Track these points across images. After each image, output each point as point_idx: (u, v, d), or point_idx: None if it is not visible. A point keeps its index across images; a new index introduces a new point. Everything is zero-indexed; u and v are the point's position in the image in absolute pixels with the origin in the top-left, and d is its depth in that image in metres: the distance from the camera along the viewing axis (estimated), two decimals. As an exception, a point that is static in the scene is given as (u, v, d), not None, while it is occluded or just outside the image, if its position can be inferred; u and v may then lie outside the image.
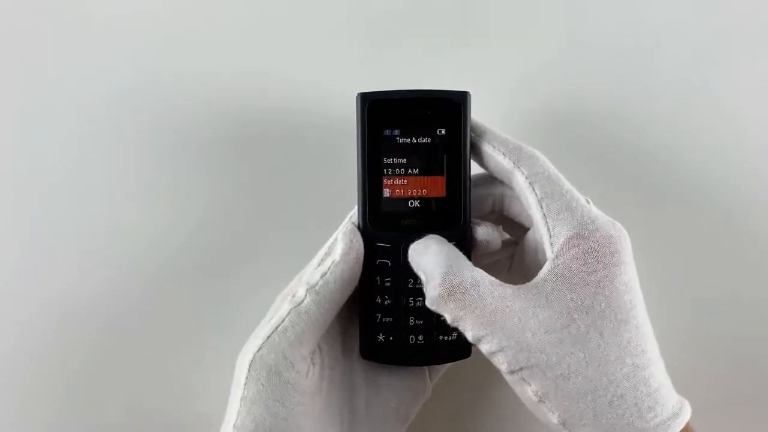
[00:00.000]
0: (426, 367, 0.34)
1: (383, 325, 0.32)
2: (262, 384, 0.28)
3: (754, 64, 0.39)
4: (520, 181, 0.30)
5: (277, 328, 0.29)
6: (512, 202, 0.33)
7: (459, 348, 0.32)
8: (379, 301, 0.32)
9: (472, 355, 0.32)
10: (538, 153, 0.30)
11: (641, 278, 0.29)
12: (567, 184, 0.30)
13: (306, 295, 0.29)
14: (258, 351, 0.28)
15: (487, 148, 0.31)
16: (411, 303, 0.31)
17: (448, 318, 0.28)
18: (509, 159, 0.30)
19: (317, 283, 0.30)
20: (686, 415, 0.28)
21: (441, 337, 0.32)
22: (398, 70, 0.39)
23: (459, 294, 0.28)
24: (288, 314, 0.29)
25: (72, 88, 0.38)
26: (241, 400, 0.28)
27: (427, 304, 0.29)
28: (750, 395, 0.37)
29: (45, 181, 0.38)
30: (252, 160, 0.39)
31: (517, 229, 0.34)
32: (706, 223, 0.38)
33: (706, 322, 0.38)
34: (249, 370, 0.28)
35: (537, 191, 0.29)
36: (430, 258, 0.29)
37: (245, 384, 0.28)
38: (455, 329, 0.31)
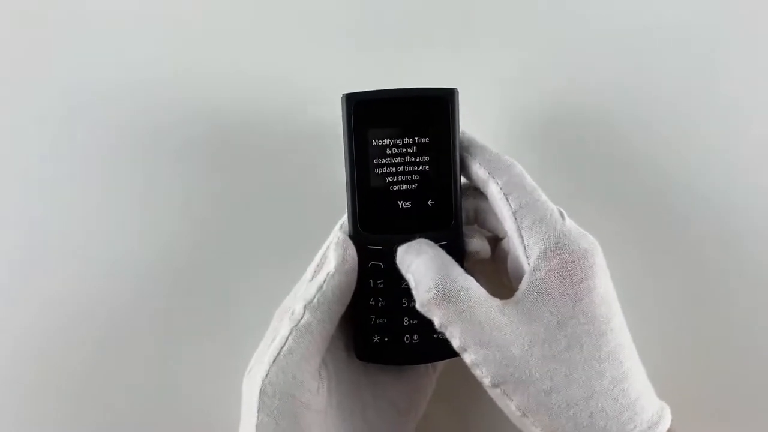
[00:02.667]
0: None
1: (378, 326, 0.32)
2: (276, 410, 0.28)
3: (753, 65, 0.38)
4: (494, 191, 0.30)
5: (281, 349, 0.28)
6: (487, 216, 0.33)
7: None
8: (373, 303, 0.32)
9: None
10: (515, 163, 0.30)
11: (629, 280, 0.30)
12: (542, 196, 0.30)
13: (305, 312, 0.29)
14: (266, 376, 0.28)
15: (464, 155, 0.31)
16: (405, 303, 0.31)
17: (437, 323, 0.28)
18: (485, 168, 0.30)
19: (314, 297, 0.29)
20: (666, 422, 0.29)
21: (436, 335, 0.31)
22: (387, 70, 0.38)
23: (451, 300, 0.28)
24: (290, 334, 0.29)
25: (67, 90, 0.38)
26: (257, 427, 0.27)
27: (417, 306, 0.29)
28: (731, 398, 0.38)
29: (41, 181, 0.38)
30: (245, 162, 0.38)
31: (491, 239, 0.34)
32: (700, 224, 0.38)
33: (688, 326, 0.38)
34: (260, 397, 0.28)
35: (511, 203, 0.29)
36: (422, 261, 0.29)
37: (258, 411, 0.27)
38: None
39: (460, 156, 0.31)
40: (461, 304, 0.28)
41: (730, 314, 0.38)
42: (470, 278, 0.29)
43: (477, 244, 0.32)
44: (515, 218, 0.29)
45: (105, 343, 0.38)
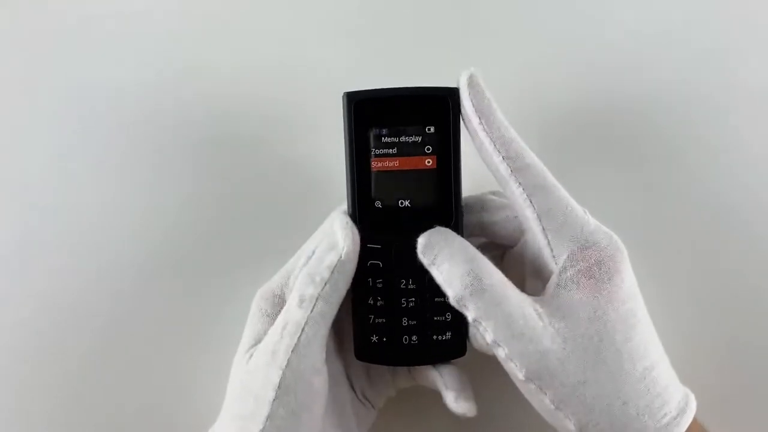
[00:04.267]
0: (389, 369, 0.34)
1: (376, 326, 0.32)
2: (296, 398, 0.28)
3: (756, 64, 0.38)
4: (515, 192, 0.29)
5: (300, 338, 0.28)
6: (494, 228, 0.32)
7: (453, 347, 0.32)
8: (372, 302, 0.31)
9: (470, 357, 0.32)
10: (537, 161, 0.29)
11: (645, 277, 0.30)
12: (565, 196, 0.29)
13: (318, 298, 0.29)
14: (287, 367, 0.28)
15: (488, 144, 0.29)
16: (404, 304, 0.31)
17: (470, 317, 0.28)
18: (506, 165, 0.29)
19: (326, 283, 0.29)
20: (692, 407, 0.29)
21: (435, 337, 0.31)
22: (389, 67, 0.38)
23: (486, 294, 0.28)
24: (306, 323, 0.28)
25: (72, 90, 0.38)
26: (268, 418, 0.27)
27: (451, 301, 0.29)
28: (752, 390, 0.38)
29: (37, 180, 0.38)
30: (244, 161, 0.38)
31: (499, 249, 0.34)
32: (709, 221, 0.38)
33: (709, 318, 0.38)
34: (279, 387, 0.27)
35: (534, 205, 0.29)
36: (452, 254, 0.29)
37: (275, 400, 0.27)
38: (449, 328, 0.31)
39: (482, 139, 0.29)
40: (496, 298, 0.28)
41: (749, 306, 0.38)
42: (500, 272, 0.29)
43: None
44: (540, 221, 0.29)
45: (101, 341, 0.38)
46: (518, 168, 0.29)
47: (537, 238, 0.29)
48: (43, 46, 0.38)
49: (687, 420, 0.28)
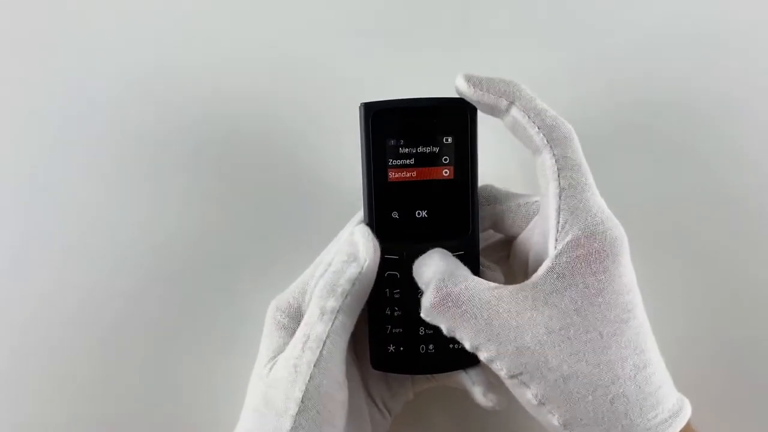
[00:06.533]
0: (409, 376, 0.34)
1: (393, 335, 0.32)
2: (319, 413, 0.28)
3: (754, 67, 0.38)
4: (546, 163, 0.28)
5: (322, 353, 0.28)
6: (504, 219, 0.32)
7: (469, 355, 0.31)
8: (389, 312, 0.31)
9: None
10: (572, 132, 0.29)
11: (643, 278, 0.29)
12: (590, 177, 0.29)
13: (339, 311, 0.29)
14: (310, 381, 0.28)
15: (520, 117, 0.28)
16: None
17: (444, 329, 0.28)
18: (542, 135, 0.28)
19: (347, 295, 0.29)
20: (687, 413, 0.28)
21: (451, 346, 0.32)
22: (404, 74, 0.38)
23: (451, 304, 0.28)
24: (328, 336, 0.28)
25: (74, 88, 0.38)
26: (292, 430, 0.27)
27: (422, 315, 0.29)
28: (748, 394, 0.38)
29: (43, 181, 0.38)
30: (252, 165, 0.38)
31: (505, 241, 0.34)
32: (710, 222, 0.38)
33: (706, 321, 0.38)
34: (302, 402, 0.27)
35: (561, 179, 0.28)
36: (428, 270, 0.29)
37: (298, 415, 0.27)
38: None
39: (513, 113, 0.29)
40: (464, 305, 0.28)
41: (749, 310, 0.38)
42: (474, 277, 0.29)
43: (492, 277, 0.32)
44: (559, 197, 0.28)
45: (104, 342, 0.38)
46: (554, 139, 0.28)
47: (548, 218, 0.29)
48: (43, 46, 0.38)
49: (680, 424, 0.27)
